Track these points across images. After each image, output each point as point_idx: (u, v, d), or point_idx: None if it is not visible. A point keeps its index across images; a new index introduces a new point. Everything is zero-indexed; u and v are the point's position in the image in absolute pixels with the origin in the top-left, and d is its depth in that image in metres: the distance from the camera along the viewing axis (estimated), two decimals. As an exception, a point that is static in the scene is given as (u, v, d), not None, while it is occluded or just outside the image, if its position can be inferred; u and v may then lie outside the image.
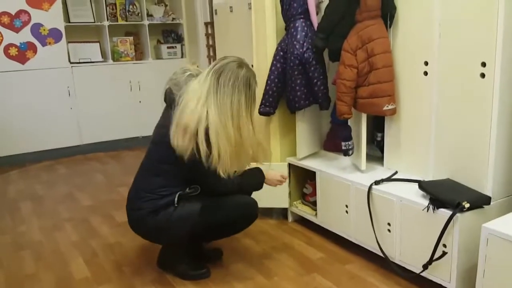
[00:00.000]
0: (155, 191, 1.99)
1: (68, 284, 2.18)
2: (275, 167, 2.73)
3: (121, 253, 2.47)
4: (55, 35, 4.45)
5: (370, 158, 2.48)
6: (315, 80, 2.43)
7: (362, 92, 2.22)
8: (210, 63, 4.36)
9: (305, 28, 2.42)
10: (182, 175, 1.99)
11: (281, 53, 2.53)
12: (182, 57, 5.12)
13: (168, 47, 5.05)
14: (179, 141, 1.87)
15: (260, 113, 2.67)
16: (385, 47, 2.14)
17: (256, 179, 2.18)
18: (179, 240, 2.11)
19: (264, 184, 2.24)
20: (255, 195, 2.29)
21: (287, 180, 2.70)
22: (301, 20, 2.43)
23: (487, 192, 1.88)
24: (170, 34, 5.18)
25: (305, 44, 2.40)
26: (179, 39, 5.16)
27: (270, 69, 2.57)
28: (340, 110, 2.26)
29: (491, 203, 1.86)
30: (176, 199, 1.98)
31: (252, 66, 2.81)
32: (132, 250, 2.50)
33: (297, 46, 2.41)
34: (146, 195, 2.01)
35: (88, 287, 2.15)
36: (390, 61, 2.16)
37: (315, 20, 2.43)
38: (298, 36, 2.41)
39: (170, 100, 2.00)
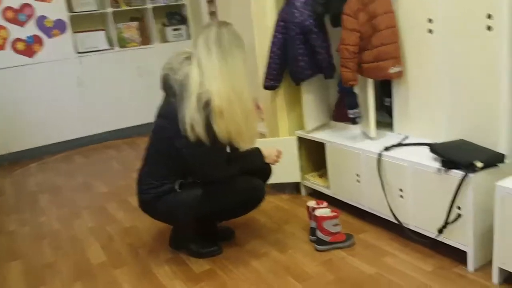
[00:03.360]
0: (157, 179, 1.99)
1: (86, 269, 2.22)
2: (284, 141, 2.70)
3: (136, 236, 2.49)
4: (60, 26, 4.45)
5: (380, 124, 2.41)
6: (317, 49, 2.36)
7: (366, 56, 2.15)
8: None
9: (304, -5, 2.34)
10: (182, 167, 1.97)
11: (282, 23, 2.45)
12: (188, 38, 5.07)
13: (173, 29, 5.00)
14: (192, 133, 1.80)
15: (265, 87, 2.62)
16: (387, 6, 2.05)
17: (255, 160, 2.13)
18: (185, 223, 2.13)
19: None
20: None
21: (297, 153, 2.67)
22: (299, -13, 2.35)
23: (501, 150, 1.81)
24: (174, 16, 5.11)
25: (305, 11, 2.32)
26: (183, 20, 5.10)
27: (272, 41, 2.51)
28: (345, 77, 2.19)
29: (506, 161, 1.79)
30: (177, 186, 1.99)
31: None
32: (147, 233, 2.52)
33: (296, 14, 2.33)
34: (149, 182, 2.01)
35: (105, 270, 2.18)
36: (393, 21, 2.07)
37: (314, -15, 2.34)
38: (297, 4, 2.33)
39: (167, 87, 1.94)
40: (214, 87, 1.79)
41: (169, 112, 1.90)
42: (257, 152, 2.12)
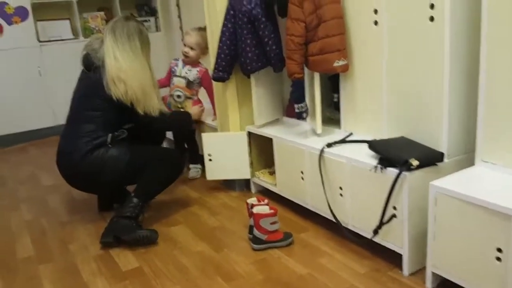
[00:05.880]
0: (89, 134, 2.22)
1: (10, 263, 2.08)
2: (234, 137, 2.60)
3: (70, 231, 2.36)
4: (21, 13, 4.29)
5: (331, 121, 2.33)
6: (265, 39, 2.26)
7: (312, 48, 2.05)
8: (182, 34, 4.21)
9: (253, -17, 2.24)
10: (111, 120, 2.27)
11: (232, 12, 2.35)
12: (157, 30, 4.93)
13: (142, 21, 4.86)
14: (116, 90, 2.20)
15: (214, 78, 2.51)
16: (333, -4, 1.96)
17: (183, 114, 2.73)
18: (112, 182, 2.29)
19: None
20: (217, 165, 2.63)
21: (247, 149, 2.58)
22: (248, -26, 2.24)
23: (442, 149, 1.73)
24: (143, 7, 4.99)
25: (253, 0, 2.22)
26: (152, 12, 4.97)
27: (221, 30, 2.40)
28: (290, 69, 2.10)
29: (446, 160, 1.71)
30: (109, 139, 2.23)
31: (205, 28, 2.66)
32: (82, 227, 2.39)
33: (244, 2, 2.23)
34: (80, 140, 2.21)
35: (29, 265, 2.05)
36: (339, 12, 1.98)
37: (263, -27, 2.24)
38: (246, -8, 2.23)
39: (89, 63, 2.28)
40: (120, 63, 2.23)
41: (97, 79, 2.24)
42: (184, 111, 2.79)
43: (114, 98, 2.21)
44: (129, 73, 2.22)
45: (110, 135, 2.25)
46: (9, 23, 4.25)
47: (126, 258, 2.03)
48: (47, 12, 4.54)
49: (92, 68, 2.26)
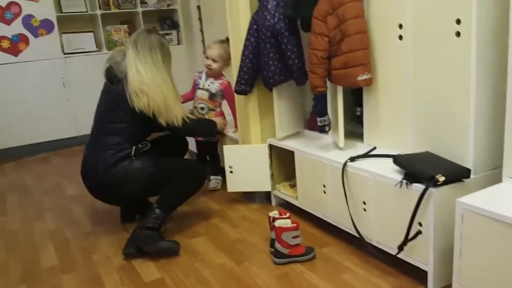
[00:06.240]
0: (113, 147, 2.26)
1: (35, 272, 2.11)
2: (255, 149, 2.61)
3: (93, 241, 2.39)
4: (47, 26, 4.40)
5: (353, 135, 2.32)
6: (288, 53, 2.27)
7: (335, 62, 2.05)
8: (204, 47, 4.26)
9: (277, -3, 2.26)
10: (135, 132, 2.31)
11: (255, 26, 2.37)
12: (178, 43, 5.01)
13: (164, 34, 4.93)
14: (139, 102, 2.23)
15: (236, 91, 2.53)
16: (357, 11, 1.96)
17: (208, 121, 2.79)
18: (135, 194, 2.32)
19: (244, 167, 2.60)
20: (238, 177, 2.64)
21: (268, 161, 2.58)
22: (272, -12, 2.27)
23: (468, 164, 1.70)
24: (165, 20, 5.07)
25: (276, 14, 2.24)
26: (175, 25, 5.05)
27: (244, 44, 2.42)
28: (312, 83, 2.10)
29: (472, 176, 1.68)
30: (133, 151, 2.27)
31: (228, 40, 2.68)
32: (105, 238, 2.41)
33: (268, 17, 2.25)
34: (105, 152, 2.25)
35: (53, 275, 2.08)
36: (363, 26, 1.98)
37: (287, -12, 2.26)
38: (269, 6, 2.26)
39: (112, 75, 2.31)
40: (142, 76, 2.26)
41: (119, 91, 2.27)
42: (209, 119, 2.83)
43: (137, 110, 2.24)
44: (151, 85, 2.25)
45: (134, 147, 2.28)
46: (35, 35, 4.37)
47: (148, 269, 2.04)
48: (71, 25, 4.65)
49: (115, 81, 2.30)
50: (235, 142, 2.84)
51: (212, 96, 2.93)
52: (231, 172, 2.67)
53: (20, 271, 2.14)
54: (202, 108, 2.93)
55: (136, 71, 2.25)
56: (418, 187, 1.65)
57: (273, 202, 2.68)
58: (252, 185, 2.67)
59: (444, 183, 1.62)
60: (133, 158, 2.27)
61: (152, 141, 2.41)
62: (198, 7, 4.58)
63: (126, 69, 2.26)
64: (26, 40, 4.33)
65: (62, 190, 3.29)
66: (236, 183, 2.69)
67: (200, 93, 2.95)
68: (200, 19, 4.60)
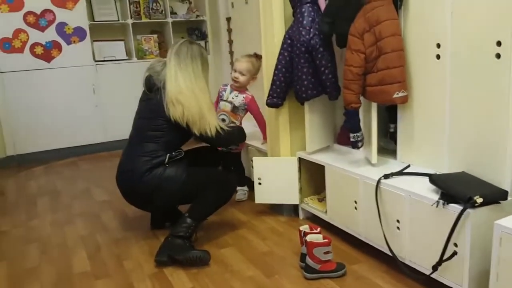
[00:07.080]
0: (148, 154, 2.31)
1: (67, 277, 2.16)
2: (284, 162, 2.62)
3: (125, 248, 2.43)
4: (79, 33, 4.52)
5: (385, 151, 2.32)
6: (322, 68, 2.29)
7: (370, 79, 2.07)
8: (231, 58, 4.31)
9: (312, 13, 2.28)
10: (171, 140, 2.36)
11: (289, 41, 2.40)
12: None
13: (195, 44, 5.01)
14: (174, 111, 2.28)
15: (268, 104, 2.56)
16: (394, 29, 1.97)
17: (239, 133, 2.74)
18: (167, 201, 2.39)
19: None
20: (267, 189, 2.66)
21: (297, 175, 2.59)
22: (308, 4, 2.29)
23: (505, 186, 1.69)
24: (194, 31, 5.15)
25: (311, 30, 2.27)
26: (203, 36, 5.12)
27: (278, 58, 2.45)
28: (347, 99, 2.12)
29: (509, 198, 1.67)
30: (166, 159, 2.30)
31: (260, 56, 2.72)
32: (136, 245, 2.45)
33: (303, 33, 2.28)
34: (141, 158, 2.30)
35: (86, 280, 2.12)
36: (400, 44, 1.99)
37: (323, 4, 2.29)
38: (305, 22, 2.28)
39: (151, 84, 2.38)
40: (180, 86, 2.31)
41: (158, 100, 2.34)
42: (241, 128, 2.82)
43: (172, 119, 2.29)
44: (187, 94, 2.29)
45: (168, 155, 2.32)
46: (68, 42, 4.48)
47: (179, 278, 2.07)
48: (103, 33, 4.76)
49: (153, 90, 2.36)
50: (264, 154, 2.86)
51: (234, 109, 2.96)
52: (260, 183, 2.69)
53: (53, 276, 2.18)
54: (223, 120, 2.96)
55: (175, 81, 2.30)
56: (455, 208, 1.64)
57: (301, 216, 2.68)
58: (280, 198, 2.68)
59: (481, 204, 1.61)
60: (167, 165, 2.31)
61: (188, 151, 2.45)
62: (228, 19, 4.65)
63: (165, 79, 2.31)
64: (59, 47, 4.44)
65: (91, 195, 3.35)
66: (264, 194, 2.70)
67: (223, 105, 2.99)
68: (228, 30, 4.66)
